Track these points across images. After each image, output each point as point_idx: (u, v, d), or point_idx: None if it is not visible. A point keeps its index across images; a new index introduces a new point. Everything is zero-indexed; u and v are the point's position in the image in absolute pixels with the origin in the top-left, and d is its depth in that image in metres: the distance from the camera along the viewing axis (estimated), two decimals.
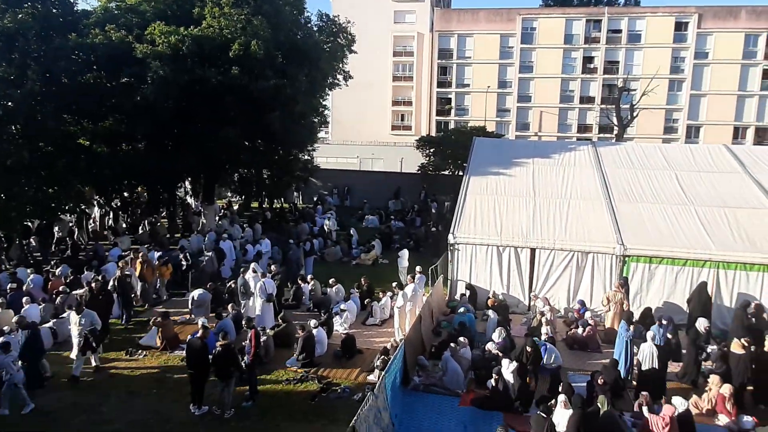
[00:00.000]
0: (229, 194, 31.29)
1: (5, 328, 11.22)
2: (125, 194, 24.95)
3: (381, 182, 32.54)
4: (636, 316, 12.39)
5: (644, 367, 10.19)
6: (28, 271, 15.25)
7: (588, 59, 48.77)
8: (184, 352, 10.76)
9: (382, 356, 11.19)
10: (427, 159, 31.52)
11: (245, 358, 10.32)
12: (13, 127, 17.25)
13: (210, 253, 16.98)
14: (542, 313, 12.85)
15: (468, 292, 14.37)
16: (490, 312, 13.09)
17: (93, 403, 10.05)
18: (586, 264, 14.11)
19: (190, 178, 26.20)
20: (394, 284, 14.94)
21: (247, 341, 10.36)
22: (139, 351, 12.20)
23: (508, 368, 9.79)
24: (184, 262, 16.46)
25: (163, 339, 12.27)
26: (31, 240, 20.49)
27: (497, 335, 11.27)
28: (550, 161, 18.03)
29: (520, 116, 50.67)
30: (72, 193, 18.81)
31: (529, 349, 10.26)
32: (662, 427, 8.10)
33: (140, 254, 15.58)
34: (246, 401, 10.02)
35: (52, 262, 17.95)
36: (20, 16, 16.55)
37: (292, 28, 22.46)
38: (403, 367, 10.48)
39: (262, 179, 27.03)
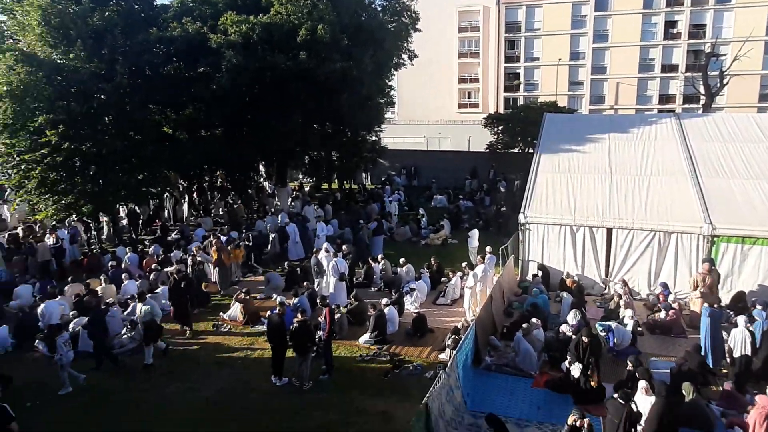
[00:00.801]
0: (301, 176, 32.25)
1: (109, 300, 12.40)
2: (205, 178, 26.33)
3: (449, 161, 32.24)
4: (726, 301, 11.62)
5: (736, 354, 9.58)
6: (126, 249, 16.65)
7: (670, 24, 45.21)
8: (265, 326, 11.42)
9: (453, 335, 11.27)
10: (496, 137, 30.78)
11: (321, 334, 10.77)
12: (106, 119, 18.65)
13: (273, 235, 17.55)
14: (620, 296, 12.37)
15: (540, 273, 14.07)
16: (564, 293, 12.78)
17: (184, 371, 10.92)
18: (669, 245, 13.34)
19: (263, 162, 27.24)
20: (463, 264, 14.91)
21: (322, 318, 10.79)
22: (224, 325, 13.04)
23: (574, 369, 9.36)
24: (247, 243, 17.22)
25: (245, 314, 13.04)
26: (122, 222, 22.28)
27: (572, 317, 11.00)
28: (627, 136, 17.05)
29: (595, 89, 48.09)
30: (159, 178, 20.22)
31: (585, 339, 9.26)
32: (762, 421, 7.47)
33: (215, 241, 15.82)
34: (322, 375, 10.49)
35: (146, 242, 19.44)
36: (107, 14, 17.74)
37: (356, 10, 22.53)
38: (475, 346, 10.52)
39: (332, 161, 27.64)
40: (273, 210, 23.14)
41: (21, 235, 18.95)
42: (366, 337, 11.83)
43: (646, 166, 15.31)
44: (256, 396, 9.93)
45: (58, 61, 17.34)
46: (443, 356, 10.99)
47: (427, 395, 7.61)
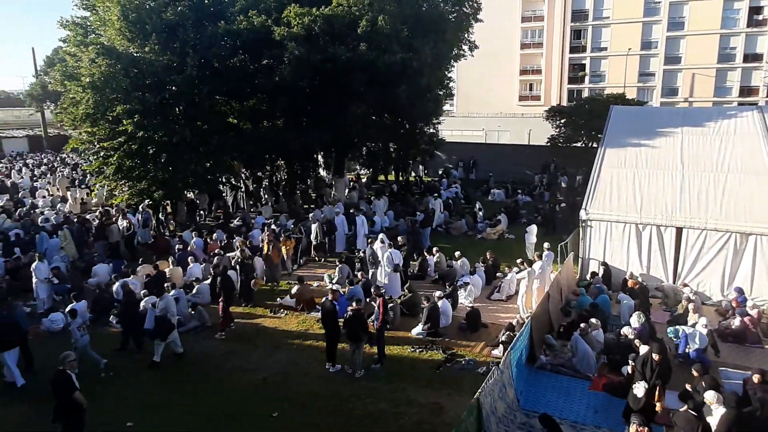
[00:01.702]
0: (358, 167, 32.61)
1: (177, 282, 13.11)
2: (266, 167, 27.15)
3: (507, 155, 31.62)
4: None
5: None
6: (192, 234, 17.50)
7: (755, 10, 41.81)
8: (319, 313, 11.70)
9: (508, 332, 11.09)
10: (558, 130, 29.82)
11: (374, 323, 10.91)
12: (177, 109, 19.61)
13: (315, 225, 17.53)
14: (689, 300, 11.71)
15: (601, 272, 13.56)
16: (627, 294, 12.26)
17: (242, 352, 11.39)
18: (746, 247, 12.47)
19: (322, 152, 27.75)
20: (519, 260, 14.61)
21: (376, 308, 10.91)
22: (281, 310, 13.47)
23: (638, 388, 8.81)
24: (299, 235, 17.34)
25: (300, 301, 13.41)
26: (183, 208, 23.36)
27: (635, 320, 10.53)
28: (702, 130, 15.99)
29: (667, 80, 45.41)
30: (224, 166, 21.08)
31: (656, 356, 8.42)
32: None
33: (265, 234, 15.74)
34: (375, 364, 10.62)
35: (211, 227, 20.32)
36: (180, 8, 18.58)
37: (417, 1, 22.41)
38: (530, 344, 10.31)
39: (389, 153, 27.75)
40: (330, 200, 23.55)
41: (99, 218, 20.31)
42: (419, 328, 11.87)
43: (722, 163, 14.34)
44: (309, 380, 10.21)
45: (135, 54, 18.37)
46: (497, 352, 10.85)
47: (479, 390, 7.54)
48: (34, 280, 13.69)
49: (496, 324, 12.34)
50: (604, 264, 13.78)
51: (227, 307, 12.29)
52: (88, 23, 20.34)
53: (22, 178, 34.22)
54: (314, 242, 17.46)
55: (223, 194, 24.52)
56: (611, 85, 44.32)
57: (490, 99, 50.15)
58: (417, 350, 11.27)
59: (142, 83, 18.34)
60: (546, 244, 14.18)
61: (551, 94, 50.20)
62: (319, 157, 28.84)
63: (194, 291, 13.76)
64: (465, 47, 26.75)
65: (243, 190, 25.33)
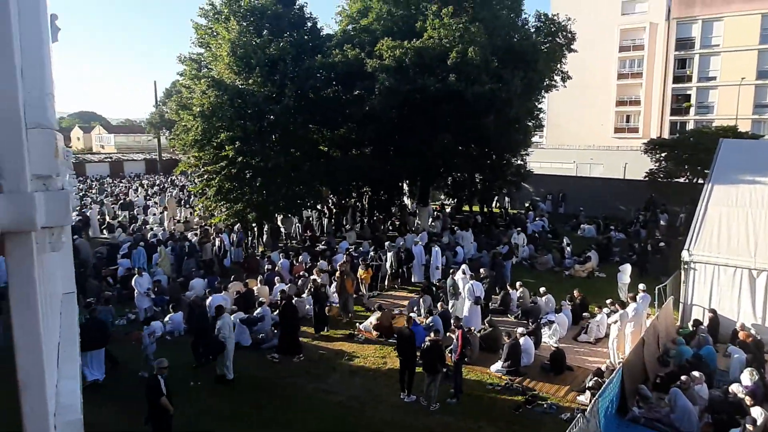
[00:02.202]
0: (443, 197, 32.59)
1: (261, 299, 13.74)
2: (353, 194, 27.94)
3: (600, 189, 30.08)
4: None
5: None
6: (280, 255, 18.33)
7: None
8: (396, 340, 11.65)
9: (596, 377, 10.37)
10: (657, 164, 27.94)
11: (452, 355, 10.67)
12: (273, 136, 20.89)
13: (390, 254, 17.59)
14: None
15: (707, 320, 12.33)
16: (737, 347, 11.02)
17: (321, 374, 11.60)
18: None
19: (407, 181, 28.11)
20: (609, 301, 13.72)
21: (455, 340, 10.68)
22: (360, 335, 13.61)
23: (760, 417, 8.04)
24: (378, 263, 17.39)
25: (379, 328, 13.46)
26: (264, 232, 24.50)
27: (747, 377, 9.41)
28: None
29: None
30: (313, 191, 22.03)
31: None
32: None
33: (340, 265, 15.36)
34: (451, 398, 10.35)
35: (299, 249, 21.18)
36: (282, 44, 19.98)
37: (509, 32, 22.38)
38: (620, 393, 9.55)
39: (474, 183, 27.49)
40: (413, 228, 23.66)
41: (198, 236, 21.92)
42: (498, 365, 11.43)
43: None
44: (383, 408, 10.14)
45: (240, 86, 19.93)
46: (582, 399, 10.15)
47: None
48: (135, 292, 14.92)
49: (582, 368, 11.59)
50: (712, 312, 12.52)
51: (285, 334, 12.46)
52: (202, 59, 22.49)
53: (137, 196, 38.01)
54: (390, 270, 17.55)
55: (310, 218, 25.50)
56: (721, 117, 40.97)
57: (583, 130, 48.26)
58: (495, 388, 10.85)
59: (245, 112, 19.79)
60: (641, 286, 13.19)
61: (650, 126, 47.34)
62: (405, 185, 29.22)
63: (278, 311, 14.30)
64: (557, 78, 26.18)
65: (327, 215, 26.19)
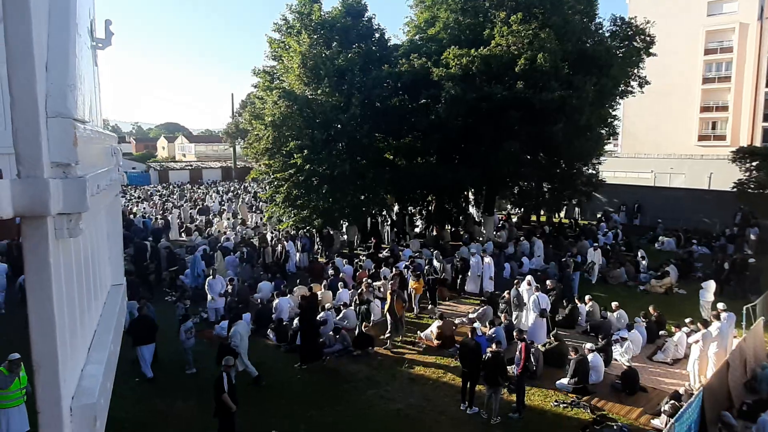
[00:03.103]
0: (509, 206, 31.86)
1: (327, 305, 14.02)
2: (418, 202, 27.93)
3: (681, 200, 28.23)
4: None
5: None
6: (344, 261, 18.65)
7: None
8: (458, 351, 11.49)
9: (672, 401, 9.66)
10: (747, 174, 25.83)
11: (514, 369, 10.36)
12: (339, 145, 21.37)
13: (448, 266, 17.39)
14: None
15: None
16: None
17: (381, 381, 11.62)
18: None
19: (473, 190, 27.74)
20: (689, 320, 12.79)
21: (517, 353, 10.36)
22: (420, 343, 13.52)
23: None
24: (435, 276, 16.86)
25: (440, 337, 13.32)
26: (343, 237, 24.92)
27: None
28: None
29: None
30: (377, 199, 22.27)
31: None
32: None
33: (390, 284, 14.82)
34: (513, 413, 10.03)
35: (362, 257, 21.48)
36: (350, 55, 20.45)
37: (581, 37, 21.59)
38: (700, 420, 8.83)
39: (542, 193, 26.65)
40: (478, 238, 23.28)
41: (258, 242, 22.67)
42: (564, 381, 10.95)
43: None
44: (443, 420, 10.00)
45: (309, 97, 20.60)
46: (657, 422, 9.51)
47: None
48: (208, 296, 15.63)
49: (657, 390, 10.86)
50: None
51: (304, 340, 12.50)
52: (275, 71, 23.49)
53: (213, 201, 40.13)
54: (444, 279, 17.35)
55: (376, 225, 25.75)
56: None
57: (662, 138, 45.49)
58: (561, 405, 10.39)
59: (313, 122, 20.41)
60: (720, 305, 12.17)
61: (740, 133, 43.82)
62: (470, 194, 28.86)
63: (340, 315, 14.53)
64: (634, 83, 24.88)
65: (389, 223, 26.32)
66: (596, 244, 20.56)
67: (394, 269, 16.33)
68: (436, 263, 17.69)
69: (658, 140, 45.38)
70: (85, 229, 1.33)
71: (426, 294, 16.44)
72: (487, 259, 17.41)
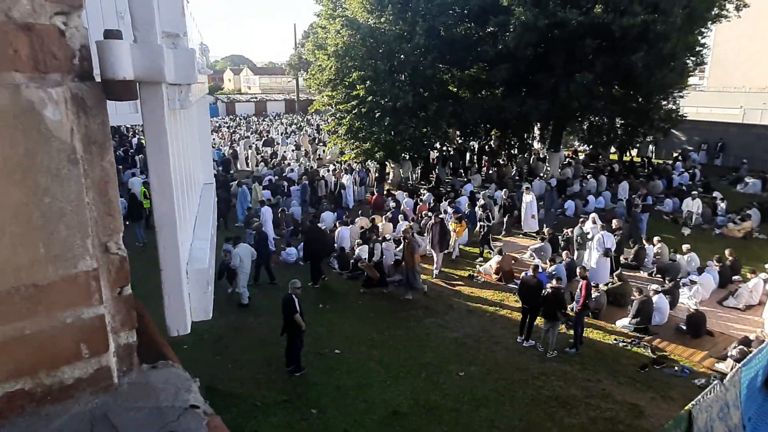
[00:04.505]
0: (576, 143, 30.42)
1: (387, 235, 14.34)
2: (481, 136, 27.21)
3: None
4: None
5: None
6: (404, 194, 18.80)
7: None
8: (518, 287, 11.54)
9: (741, 346, 9.37)
10: None
11: (574, 305, 10.32)
12: (402, 76, 20.90)
13: (486, 201, 16.83)
14: None
15: None
16: None
17: (439, 311, 11.96)
18: None
19: (539, 124, 26.60)
20: (767, 265, 12.07)
21: (578, 290, 10.28)
22: (479, 277, 13.67)
23: None
24: (482, 223, 15.65)
25: (499, 271, 13.39)
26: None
27: None
28: None
29: None
30: (440, 132, 21.89)
31: None
32: None
33: (404, 230, 13.67)
34: (570, 348, 10.11)
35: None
36: None
37: None
38: None
39: (615, 128, 25.12)
40: (542, 174, 22.60)
41: (308, 176, 22.97)
42: (625, 321, 10.82)
43: None
44: (499, 349, 10.24)
45: (372, 25, 20.03)
46: (722, 366, 9.29)
47: (694, 402, 6.60)
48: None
49: (725, 334, 10.52)
50: None
51: (311, 262, 13.34)
52: None
53: (277, 134, 40.99)
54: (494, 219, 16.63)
55: (434, 160, 25.43)
56: None
57: (756, 70, 40.89)
58: (620, 344, 10.34)
59: (376, 52, 19.95)
60: None
61: None
62: (536, 128, 27.70)
63: (400, 247, 14.81)
64: (729, 5, 22.23)
65: (447, 157, 25.76)
66: (695, 192, 18.48)
67: (434, 216, 14.67)
68: (498, 197, 17.31)
69: (751, 72, 40.90)
70: (183, 116, 1.42)
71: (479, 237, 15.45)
72: (529, 197, 16.65)
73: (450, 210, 16.28)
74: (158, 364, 1.01)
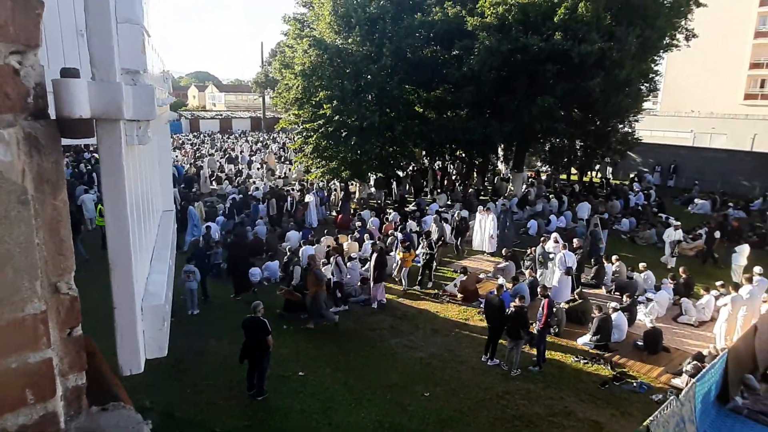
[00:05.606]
0: (539, 164, 31.26)
1: (353, 254, 14.28)
2: (446, 157, 27.64)
3: (720, 162, 27.26)
4: None
5: None
6: (370, 214, 18.83)
7: None
8: (483, 305, 11.66)
9: (695, 361, 9.72)
10: None
11: (536, 324, 10.50)
12: (369, 96, 21.10)
13: (432, 220, 17.00)
14: None
15: None
16: None
17: (405, 331, 11.94)
18: None
19: (503, 145, 27.25)
20: (719, 283, 12.60)
21: (540, 309, 10.47)
22: (443, 296, 13.76)
23: None
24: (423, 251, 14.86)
25: (463, 290, 13.51)
26: (371, 190, 24.97)
27: None
28: None
29: None
30: (406, 152, 22.13)
31: None
32: None
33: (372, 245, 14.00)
34: (533, 366, 10.25)
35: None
36: (382, 2, 19.86)
37: None
38: (723, 381, 8.88)
39: (574, 150, 25.99)
40: (506, 195, 23.07)
41: (264, 194, 22.58)
42: (586, 338, 11.07)
43: None
44: (464, 369, 10.28)
45: (339, 46, 20.24)
46: (678, 381, 9.60)
47: (651, 418, 6.77)
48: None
49: (680, 350, 10.89)
50: None
51: (235, 274, 13.73)
52: (305, 18, 23.02)
53: (242, 151, 40.53)
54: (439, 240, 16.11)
55: (401, 178, 25.63)
56: None
57: (705, 96, 43.29)
58: (581, 361, 10.55)
59: (343, 72, 20.12)
60: (757, 268, 11.97)
61: None
62: (499, 149, 28.34)
63: (366, 266, 14.79)
64: (680, 36, 23.54)
65: (408, 177, 25.99)
66: (676, 224, 16.98)
67: (373, 243, 14.59)
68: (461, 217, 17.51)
69: (700, 98, 43.25)
70: (142, 148, 1.41)
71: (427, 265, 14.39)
72: (489, 217, 16.59)
73: (399, 236, 15.71)
74: (109, 406, 0.98)
